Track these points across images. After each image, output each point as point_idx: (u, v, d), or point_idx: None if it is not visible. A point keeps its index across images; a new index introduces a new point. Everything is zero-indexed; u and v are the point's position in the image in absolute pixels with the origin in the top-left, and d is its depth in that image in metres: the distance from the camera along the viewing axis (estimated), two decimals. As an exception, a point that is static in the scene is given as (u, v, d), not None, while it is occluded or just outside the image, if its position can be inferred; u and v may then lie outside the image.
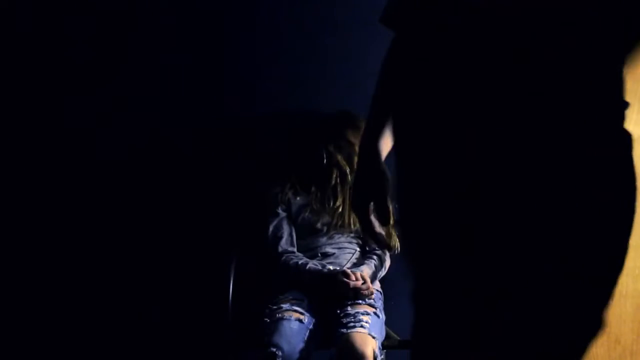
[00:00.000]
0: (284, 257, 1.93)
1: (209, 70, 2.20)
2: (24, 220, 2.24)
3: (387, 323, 1.88)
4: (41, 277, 2.25)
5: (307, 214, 2.00)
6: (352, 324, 1.70)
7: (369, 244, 2.03)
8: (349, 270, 1.83)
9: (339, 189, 1.99)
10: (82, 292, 2.25)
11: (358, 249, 2.02)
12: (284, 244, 1.96)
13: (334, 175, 1.98)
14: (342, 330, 1.70)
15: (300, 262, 1.90)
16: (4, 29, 2.20)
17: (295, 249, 1.97)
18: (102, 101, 2.21)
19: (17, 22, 2.20)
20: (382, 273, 1.99)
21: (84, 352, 2.25)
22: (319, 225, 1.99)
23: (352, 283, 1.79)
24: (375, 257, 1.98)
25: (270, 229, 1.99)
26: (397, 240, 2.06)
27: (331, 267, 1.88)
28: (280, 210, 2.01)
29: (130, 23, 2.20)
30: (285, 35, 2.19)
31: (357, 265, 1.95)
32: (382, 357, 1.75)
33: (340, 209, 1.98)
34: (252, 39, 2.19)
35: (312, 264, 1.89)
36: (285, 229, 1.99)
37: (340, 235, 2.00)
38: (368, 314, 1.76)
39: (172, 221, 2.21)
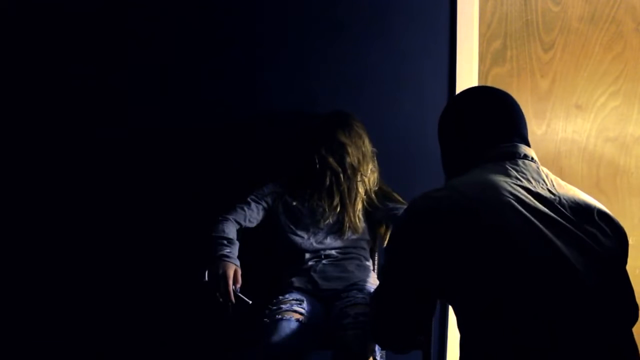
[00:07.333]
0: (220, 217, 1.92)
1: (209, 70, 2.20)
2: (24, 219, 2.24)
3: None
4: (41, 276, 2.25)
5: (305, 214, 2.00)
6: (351, 325, 1.70)
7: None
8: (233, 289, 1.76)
9: (334, 189, 1.98)
10: (84, 290, 2.25)
11: (363, 255, 2.02)
12: (228, 214, 1.95)
13: (328, 177, 1.97)
14: (341, 331, 1.70)
15: (218, 226, 1.88)
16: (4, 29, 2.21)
17: (233, 218, 1.94)
18: (102, 101, 2.21)
19: (15, 22, 2.20)
20: None
21: (84, 352, 2.26)
22: (320, 225, 1.99)
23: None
24: None
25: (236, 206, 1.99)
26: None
27: (227, 251, 1.81)
28: (251, 201, 2.00)
29: (130, 22, 2.20)
30: (286, 35, 2.19)
31: (360, 269, 1.96)
32: (382, 357, 1.74)
33: (339, 209, 1.97)
34: (252, 39, 2.19)
35: (220, 236, 1.85)
36: (240, 213, 1.97)
37: (345, 238, 1.99)
38: (367, 314, 1.75)
39: (172, 220, 2.21)
